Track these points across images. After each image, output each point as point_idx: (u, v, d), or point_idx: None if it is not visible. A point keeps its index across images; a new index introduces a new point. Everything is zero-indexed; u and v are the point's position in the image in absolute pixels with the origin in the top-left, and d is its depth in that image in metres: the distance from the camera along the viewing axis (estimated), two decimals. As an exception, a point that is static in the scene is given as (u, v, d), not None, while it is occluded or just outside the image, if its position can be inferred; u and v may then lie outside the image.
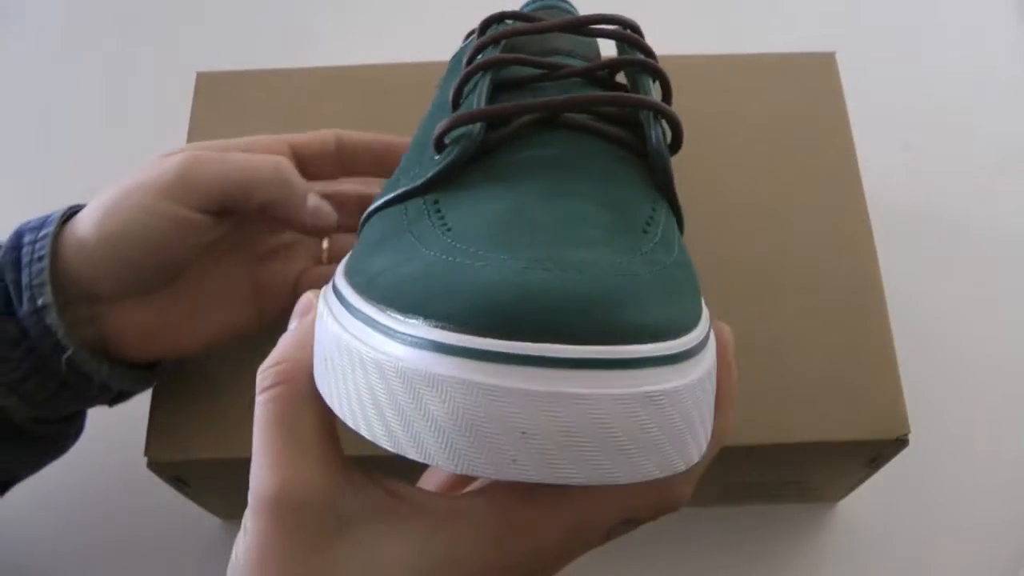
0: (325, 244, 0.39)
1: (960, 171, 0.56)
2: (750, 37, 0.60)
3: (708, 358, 0.22)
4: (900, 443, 0.36)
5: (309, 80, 0.45)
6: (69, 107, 0.60)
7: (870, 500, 0.46)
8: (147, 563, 0.45)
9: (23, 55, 0.62)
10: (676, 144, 0.27)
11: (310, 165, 0.36)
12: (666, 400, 0.19)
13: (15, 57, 0.62)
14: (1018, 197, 0.55)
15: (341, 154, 0.37)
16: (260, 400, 0.23)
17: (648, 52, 0.28)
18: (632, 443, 0.19)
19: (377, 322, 0.20)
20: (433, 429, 0.19)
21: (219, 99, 0.44)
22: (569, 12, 0.32)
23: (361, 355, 0.20)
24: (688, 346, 0.20)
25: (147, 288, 0.33)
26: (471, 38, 0.31)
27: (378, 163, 0.37)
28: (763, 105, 0.43)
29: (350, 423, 0.21)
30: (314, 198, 0.35)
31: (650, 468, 0.19)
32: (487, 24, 0.29)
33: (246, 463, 0.36)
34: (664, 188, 0.26)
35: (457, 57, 0.31)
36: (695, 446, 0.21)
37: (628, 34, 0.28)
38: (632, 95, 0.26)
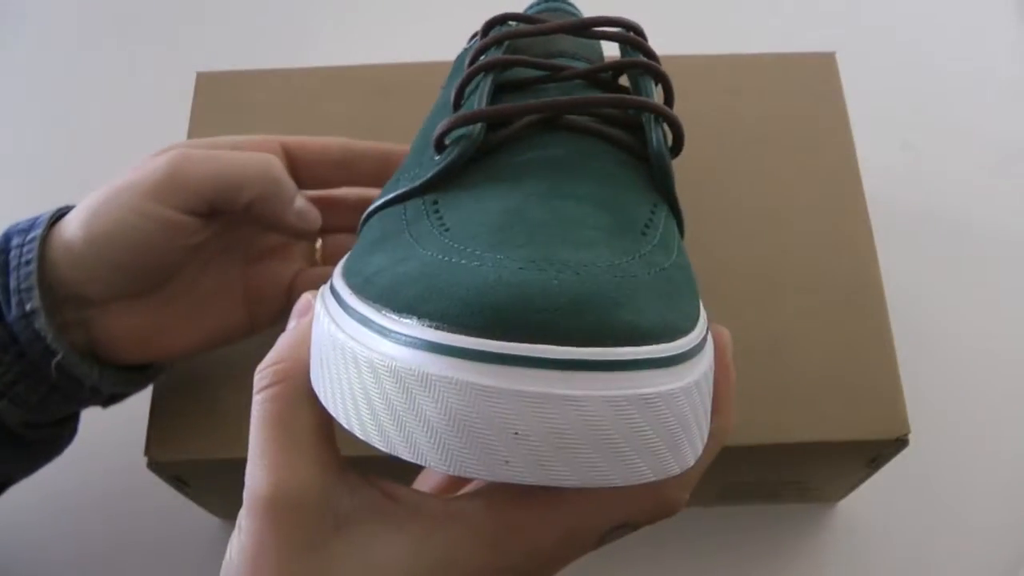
0: (319, 245, 0.39)
1: (960, 171, 0.56)
2: (750, 37, 0.60)
3: (705, 361, 0.22)
4: (900, 443, 0.36)
5: (309, 80, 0.45)
6: (69, 107, 0.60)
7: (870, 500, 0.46)
8: (147, 563, 0.45)
9: (23, 55, 0.62)
10: (677, 147, 0.27)
11: (309, 169, 0.36)
12: (661, 402, 0.19)
13: (15, 57, 0.62)
14: (1018, 197, 0.55)
15: (344, 162, 0.36)
16: (257, 400, 0.23)
17: (650, 54, 0.28)
18: (626, 445, 0.19)
19: (372, 321, 0.20)
20: (426, 429, 0.19)
21: (219, 99, 0.44)
22: (573, 14, 0.32)
23: (355, 355, 0.20)
24: (684, 349, 0.20)
25: (136, 291, 0.33)
26: (475, 39, 0.31)
27: (379, 172, 0.37)
28: (763, 105, 0.43)
29: (344, 423, 0.21)
30: (301, 200, 0.34)
31: (645, 470, 0.19)
32: (490, 26, 0.29)
33: (246, 463, 0.37)
34: (664, 191, 0.26)
35: (460, 58, 0.31)
36: (691, 449, 0.21)
37: (631, 36, 0.28)
38: (633, 97, 0.26)
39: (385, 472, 0.24)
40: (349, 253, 0.25)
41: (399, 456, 0.19)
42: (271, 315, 0.37)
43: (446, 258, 0.21)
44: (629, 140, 0.27)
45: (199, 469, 0.37)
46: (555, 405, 0.18)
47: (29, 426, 0.34)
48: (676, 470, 0.20)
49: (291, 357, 0.23)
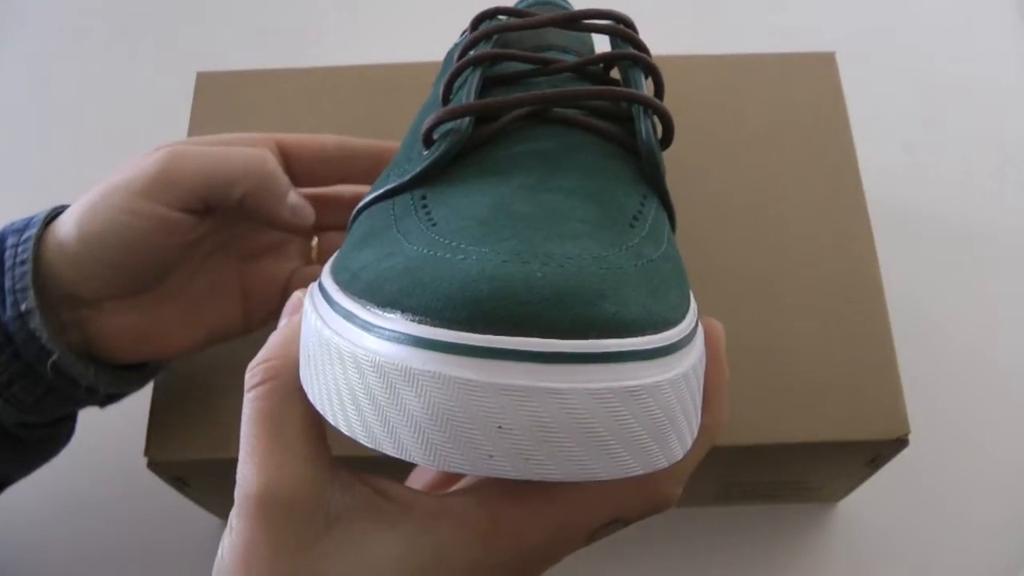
0: (314, 243, 0.39)
1: (960, 171, 0.56)
2: (750, 37, 0.60)
3: (694, 353, 0.21)
4: (900, 443, 0.36)
5: (309, 80, 0.45)
6: (69, 107, 0.60)
7: (870, 500, 0.46)
8: (147, 563, 0.45)
9: (23, 55, 0.62)
10: (667, 139, 0.27)
11: (305, 167, 0.36)
12: (646, 394, 0.19)
13: (15, 57, 0.62)
14: (1018, 197, 0.55)
15: (339, 159, 0.36)
16: (248, 397, 0.23)
17: (640, 46, 0.28)
18: (611, 438, 0.19)
19: (356, 316, 0.20)
20: (409, 424, 0.19)
21: (219, 99, 0.44)
22: (564, 9, 0.32)
23: (340, 350, 0.20)
24: (671, 341, 0.20)
25: (130, 290, 0.33)
26: (465, 34, 0.31)
27: (374, 170, 0.36)
28: (763, 105, 0.43)
29: (330, 419, 0.21)
30: (294, 195, 0.34)
31: (631, 464, 0.19)
32: (479, 20, 0.29)
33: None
34: (655, 183, 0.26)
35: (451, 54, 0.31)
36: (678, 443, 0.20)
37: (621, 29, 0.28)
38: (620, 89, 0.26)
39: (380, 470, 0.24)
40: (339, 250, 0.25)
41: (384, 452, 0.19)
42: (266, 313, 0.37)
43: (431, 252, 0.20)
44: (619, 132, 0.26)
45: (199, 469, 0.37)
46: (538, 398, 0.18)
47: (26, 427, 0.34)
48: (663, 463, 0.20)
49: (281, 355, 0.23)
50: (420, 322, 0.19)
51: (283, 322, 0.25)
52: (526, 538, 0.22)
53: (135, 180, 0.31)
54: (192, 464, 0.37)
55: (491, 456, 0.18)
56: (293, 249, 0.38)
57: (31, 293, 0.31)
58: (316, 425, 0.23)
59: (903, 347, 0.37)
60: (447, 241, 0.21)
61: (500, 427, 0.18)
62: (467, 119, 0.25)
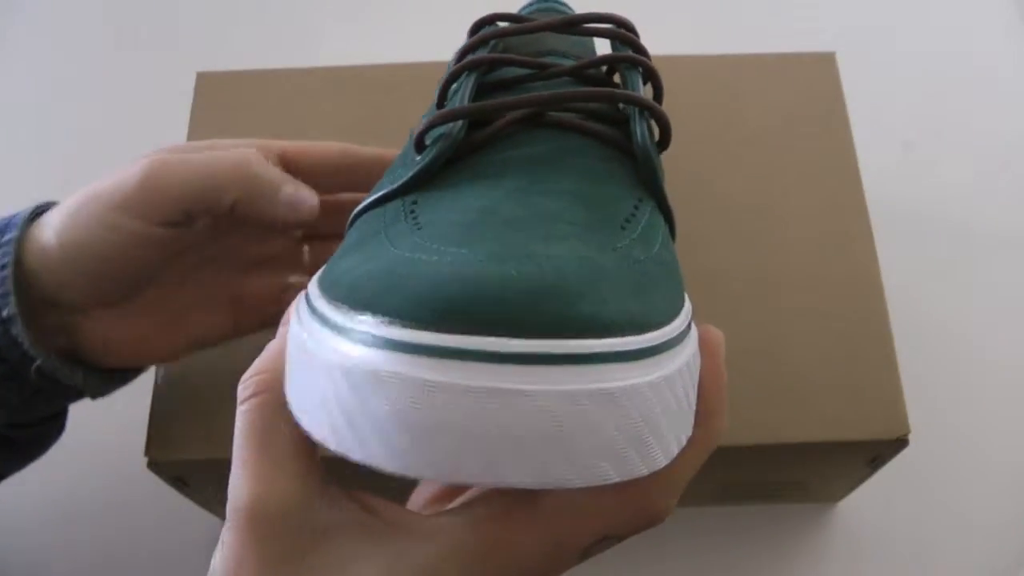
0: (306, 250, 0.38)
1: (960, 171, 0.56)
2: (750, 37, 0.60)
3: (680, 357, 0.20)
4: (900, 443, 0.36)
5: (309, 80, 0.45)
6: (69, 107, 0.60)
7: (870, 500, 0.46)
8: (147, 563, 0.45)
9: (23, 55, 0.62)
10: (664, 141, 0.27)
11: (308, 176, 0.35)
12: (624, 398, 0.18)
13: (15, 57, 0.62)
14: (1018, 197, 0.55)
15: (343, 167, 0.35)
16: (239, 410, 0.23)
17: (640, 50, 0.28)
18: (584, 443, 0.18)
19: (330, 320, 0.20)
20: (376, 429, 0.18)
21: (219, 99, 0.44)
22: (564, 14, 0.32)
23: (313, 354, 0.19)
24: (654, 343, 0.19)
25: (112, 299, 0.32)
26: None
27: (378, 177, 0.36)
28: (763, 105, 0.43)
29: (304, 425, 0.20)
30: (289, 186, 0.32)
31: (607, 471, 0.18)
32: (478, 26, 0.29)
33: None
34: (651, 186, 0.26)
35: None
36: (660, 449, 0.19)
37: (620, 32, 0.28)
38: (613, 90, 0.26)
39: (377, 486, 0.23)
40: (330, 257, 0.25)
41: (351, 458, 0.19)
42: (258, 325, 0.36)
43: (411, 255, 0.20)
44: (615, 135, 0.26)
45: (199, 469, 0.37)
46: (504, 400, 0.17)
47: (16, 427, 0.33)
48: (643, 471, 0.19)
49: (272, 367, 0.23)
50: (390, 324, 0.18)
51: (279, 332, 0.25)
52: (518, 558, 0.22)
53: (115, 193, 0.30)
54: (192, 464, 0.37)
55: (457, 462, 0.18)
56: (290, 260, 0.38)
57: (12, 299, 0.30)
58: (307, 439, 0.22)
59: (903, 347, 0.37)
60: (429, 244, 0.20)
61: (465, 431, 0.17)
62: (460, 123, 0.25)
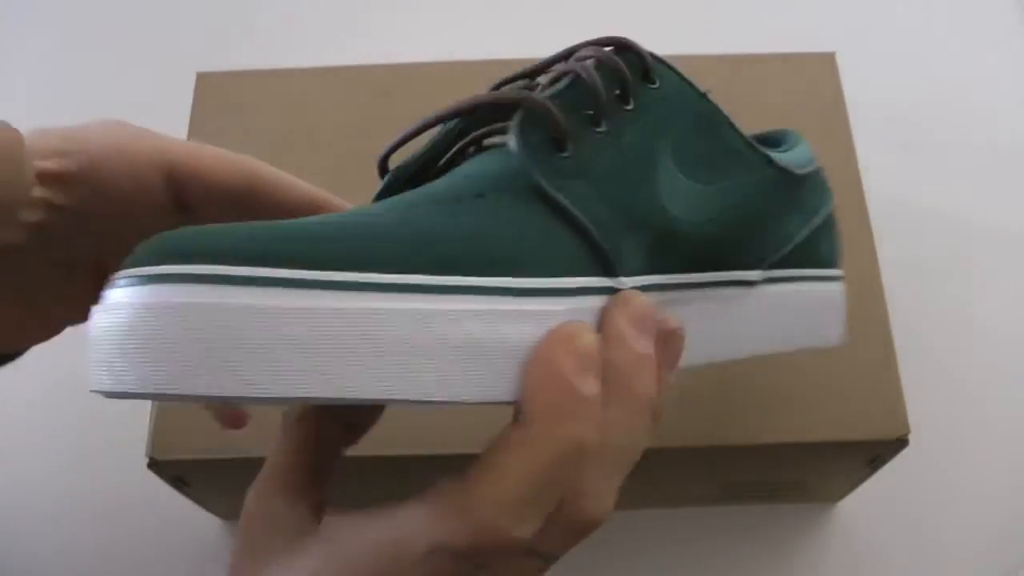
0: None
1: (960, 171, 0.56)
2: (750, 37, 0.60)
3: (451, 303, 0.20)
4: (900, 443, 0.36)
5: (309, 80, 0.45)
6: (69, 107, 0.60)
7: (870, 500, 0.46)
8: (147, 563, 0.45)
9: (23, 55, 0.62)
10: (559, 139, 0.23)
11: (199, 204, 0.30)
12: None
13: (15, 57, 0.62)
14: (1018, 197, 0.55)
15: (245, 202, 0.30)
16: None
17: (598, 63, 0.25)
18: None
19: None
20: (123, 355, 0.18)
21: (219, 99, 0.44)
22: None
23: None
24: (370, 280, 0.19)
25: None
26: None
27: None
28: (763, 105, 0.43)
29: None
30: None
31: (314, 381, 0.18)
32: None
33: (246, 463, 0.36)
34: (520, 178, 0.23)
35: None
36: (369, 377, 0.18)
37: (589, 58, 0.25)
38: (475, 101, 0.25)
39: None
40: None
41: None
42: None
43: None
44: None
45: (199, 469, 0.37)
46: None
47: None
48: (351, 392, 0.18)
49: None
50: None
51: None
52: (359, 556, 0.21)
53: None
54: (192, 464, 0.37)
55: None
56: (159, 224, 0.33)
57: None
58: (293, 452, 0.23)
59: (903, 347, 0.37)
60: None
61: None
62: (414, 156, 0.26)
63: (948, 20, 0.62)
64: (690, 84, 0.27)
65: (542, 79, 0.27)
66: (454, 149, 0.26)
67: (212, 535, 0.46)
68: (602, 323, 0.22)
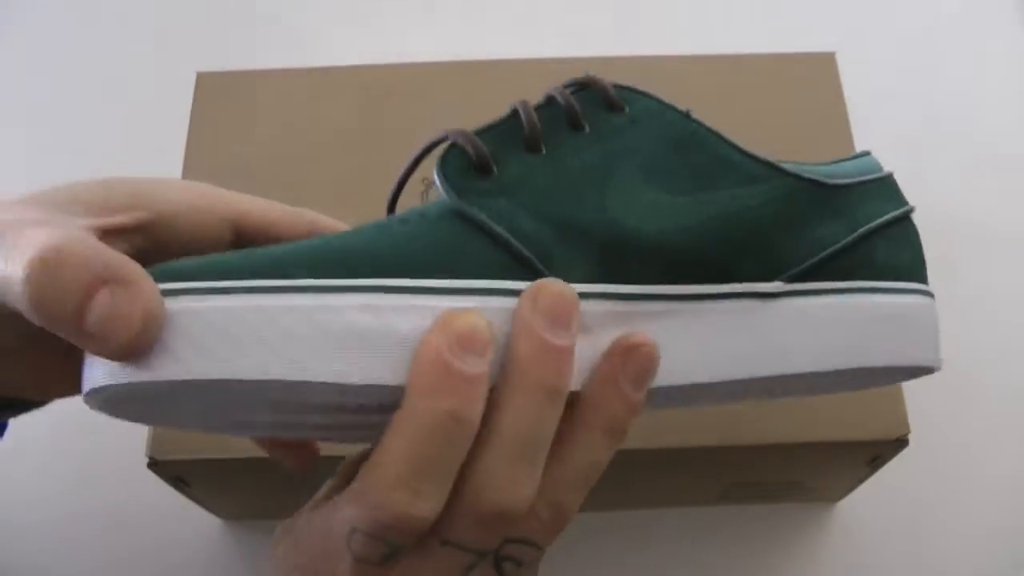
0: None
1: (960, 171, 0.56)
2: (750, 37, 0.60)
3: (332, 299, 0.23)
4: (900, 443, 0.36)
5: (309, 80, 0.45)
6: (69, 107, 0.60)
7: (870, 500, 0.46)
8: (147, 563, 0.45)
9: (23, 55, 0.62)
10: (481, 163, 0.26)
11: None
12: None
13: (15, 57, 0.62)
14: (1018, 197, 0.55)
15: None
16: None
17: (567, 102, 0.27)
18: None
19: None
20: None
21: (219, 99, 0.44)
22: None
23: None
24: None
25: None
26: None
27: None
28: (763, 105, 0.43)
29: None
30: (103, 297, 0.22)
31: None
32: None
33: (246, 463, 0.37)
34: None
35: None
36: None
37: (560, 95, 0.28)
38: (424, 148, 0.27)
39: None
40: None
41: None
42: None
43: None
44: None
45: (199, 469, 0.37)
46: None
47: None
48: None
49: None
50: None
51: None
52: (300, 539, 0.23)
53: None
54: (192, 464, 0.37)
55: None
56: None
57: None
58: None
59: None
60: None
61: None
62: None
63: (948, 20, 0.62)
64: (670, 107, 0.28)
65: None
66: (405, 182, 0.29)
67: (212, 535, 0.46)
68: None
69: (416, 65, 0.44)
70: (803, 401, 0.36)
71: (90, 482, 0.46)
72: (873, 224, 0.30)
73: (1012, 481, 0.47)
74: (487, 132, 0.27)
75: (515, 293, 0.24)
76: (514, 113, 0.27)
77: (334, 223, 0.31)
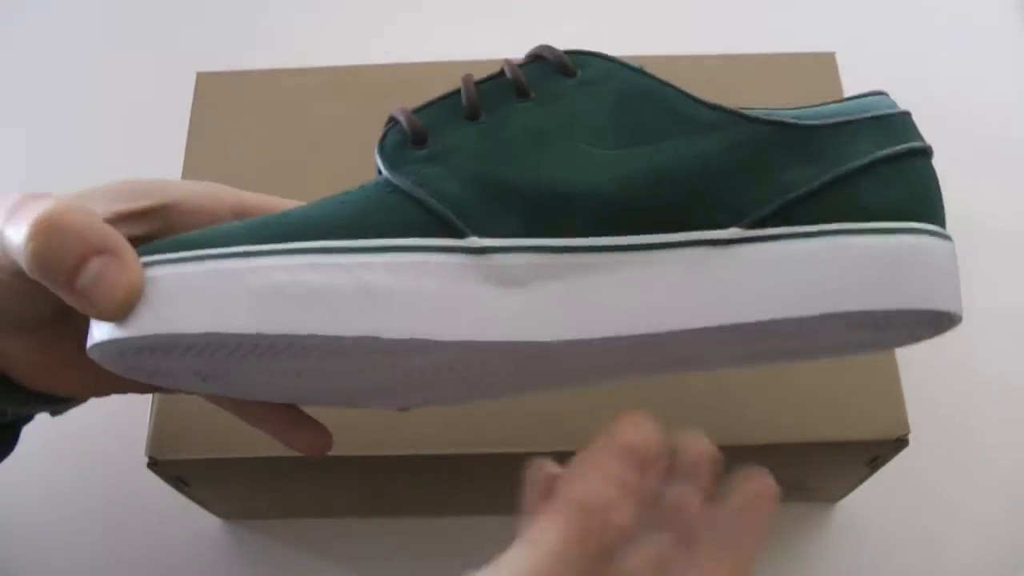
0: None
1: (960, 171, 0.56)
2: (750, 37, 0.60)
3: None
4: (900, 443, 0.36)
5: (309, 80, 0.45)
6: (69, 107, 0.60)
7: (870, 500, 0.46)
8: (147, 563, 0.45)
9: (23, 55, 0.62)
10: (416, 137, 0.28)
11: None
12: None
13: (15, 57, 0.62)
14: (1018, 197, 0.55)
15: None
16: None
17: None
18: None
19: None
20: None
21: (219, 99, 0.44)
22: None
23: None
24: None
25: (19, 325, 0.28)
26: None
27: None
28: (763, 105, 0.43)
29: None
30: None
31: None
32: None
33: (246, 463, 0.37)
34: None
35: None
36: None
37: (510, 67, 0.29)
38: (384, 131, 0.30)
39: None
40: None
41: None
42: None
43: None
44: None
45: (200, 469, 0.37)
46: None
47: None
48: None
49: None
50: None
51: None
52: None
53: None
54: (192, 464, 0.37)
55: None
56: None
57: None
58: None
59: (903, 347, 0.37)
60: None
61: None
62: None
63: (948, 20, 0.62)
64: (625, 66, 0.29)
65: None
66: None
67: (212, 535, 0.46)
68: None
69: (416, 65, 0.44)
70: (803, 401, 0.36)
71: (90, 482, 0.46)
72: (854, 164, 0.28)
73: (1012, 481, 0.47)
74: (429, 107, 0.29)
75: (428, 249, 0.26)
76: (457, 90, 0.29)
77: None
